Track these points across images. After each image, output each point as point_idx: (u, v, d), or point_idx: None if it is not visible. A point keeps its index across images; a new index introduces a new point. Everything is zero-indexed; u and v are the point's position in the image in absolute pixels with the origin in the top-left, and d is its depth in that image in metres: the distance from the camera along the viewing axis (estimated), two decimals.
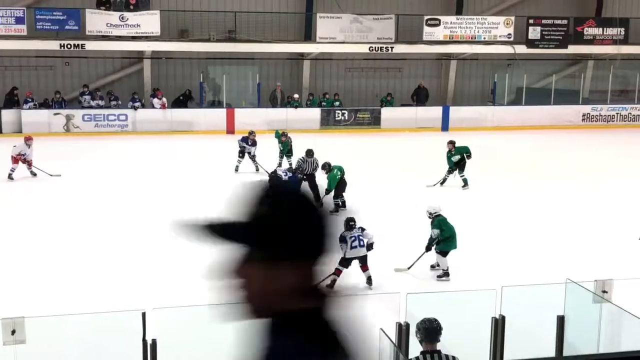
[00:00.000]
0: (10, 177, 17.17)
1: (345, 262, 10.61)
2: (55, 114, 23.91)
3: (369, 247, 10.77)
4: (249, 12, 26.22)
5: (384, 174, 17.79)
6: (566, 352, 6.47)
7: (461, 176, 16.92)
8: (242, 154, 18.27)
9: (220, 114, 25.24)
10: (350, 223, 10.85)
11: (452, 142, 17.10)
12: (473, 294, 6.87)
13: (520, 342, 6.60)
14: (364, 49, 26.19)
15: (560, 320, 6.54)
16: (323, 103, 26.38)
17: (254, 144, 18.27)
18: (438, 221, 11.06)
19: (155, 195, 15.72)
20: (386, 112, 26.31)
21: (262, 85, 26.23)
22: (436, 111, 26.70)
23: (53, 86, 25.33)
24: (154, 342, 5.90)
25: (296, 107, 25.69)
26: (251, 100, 27.05)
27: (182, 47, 25.47)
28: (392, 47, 26.26)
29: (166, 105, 24.65)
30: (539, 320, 7.04)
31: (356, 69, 28.27)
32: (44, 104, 24.44)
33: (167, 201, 15.20)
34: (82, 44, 23.90)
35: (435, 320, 5.94)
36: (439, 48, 27.19)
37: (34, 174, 17.50)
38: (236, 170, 18.27)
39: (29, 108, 23.78)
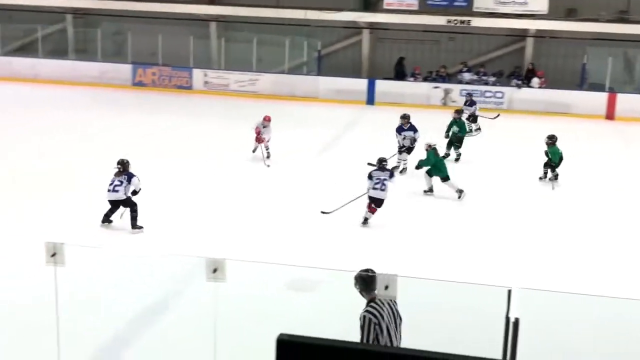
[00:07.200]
0: (254, 150, 16.65)
1: (371, 200, 11.59)
2: (435, 87, 24.86)
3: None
4: None
5: None
6: None
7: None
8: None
9: (601, 98, 24.09)
10: (382, 163, 11.93)
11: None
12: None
13: None
14: None
15: None
16: None
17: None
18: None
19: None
20: None
21: None
22: None
23: (436, 60, 26.32)
24: (516, 320, 5.93)
25: None
26: (638, 85, 25.35)
27: (568, 27, 24.69)
28: None
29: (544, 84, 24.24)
30: None
31: None
32: (427, 77, 25.54)
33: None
34: (468, 20, 24.42)
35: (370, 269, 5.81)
36: None
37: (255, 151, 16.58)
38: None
39: (414, 80, 25.11)
